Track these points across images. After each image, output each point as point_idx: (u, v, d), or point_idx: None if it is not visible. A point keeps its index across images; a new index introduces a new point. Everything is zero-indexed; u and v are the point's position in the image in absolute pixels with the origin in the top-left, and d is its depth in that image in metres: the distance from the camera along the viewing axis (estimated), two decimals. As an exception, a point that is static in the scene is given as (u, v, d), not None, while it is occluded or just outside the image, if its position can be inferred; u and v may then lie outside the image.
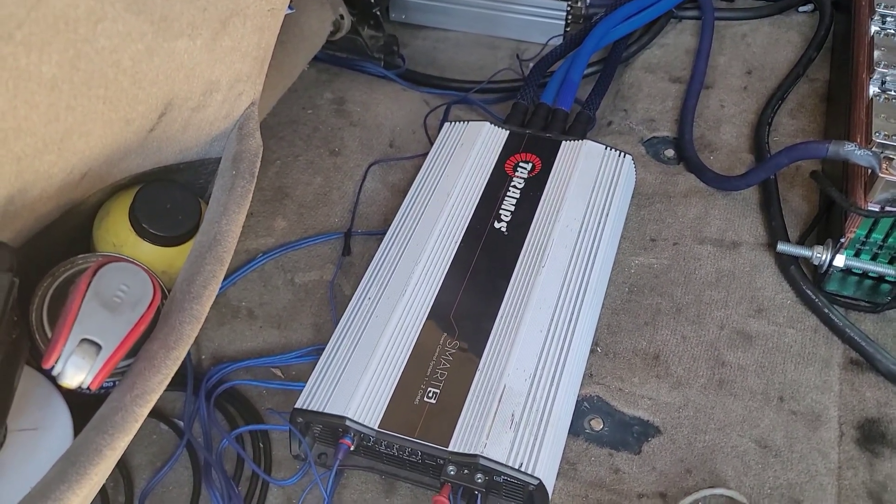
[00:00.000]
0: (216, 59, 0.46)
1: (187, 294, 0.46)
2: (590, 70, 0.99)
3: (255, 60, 0.51)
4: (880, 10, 0.84)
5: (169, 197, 0.56)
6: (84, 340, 0.45)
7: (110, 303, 0.46)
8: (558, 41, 1.06)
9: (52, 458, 0.40)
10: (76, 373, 0.44)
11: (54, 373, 0.45)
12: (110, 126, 0.41)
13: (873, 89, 0.77)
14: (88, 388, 0.45)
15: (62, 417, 0.46)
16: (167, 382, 0.45)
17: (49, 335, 0.47)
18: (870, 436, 0.67)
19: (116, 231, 0.55)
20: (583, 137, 0.84)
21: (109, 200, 0.56)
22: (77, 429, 0.44)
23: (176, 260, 0.53)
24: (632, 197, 0.84)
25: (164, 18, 0.40)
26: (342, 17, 0.95)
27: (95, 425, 0.40)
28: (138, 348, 0.46)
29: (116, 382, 0.45)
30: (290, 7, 0.73)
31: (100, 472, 0.38)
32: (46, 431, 0.45)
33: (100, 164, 0.45)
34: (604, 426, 0.69)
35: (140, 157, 0.50)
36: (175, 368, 0.44)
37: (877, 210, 0.68)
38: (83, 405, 0.45)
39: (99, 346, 0.45)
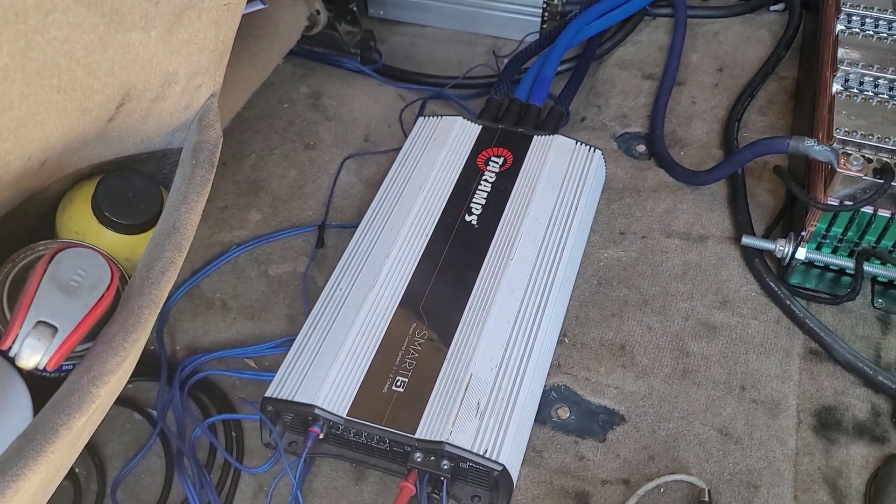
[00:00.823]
0: (173, 52, 0.47)
1: (146, 279, 0.47)
2: (564, 67, 1.00)
3: (213, 53, 0.52)
4: (846, 9, 0.86)
5: (131, 186, 0.57)
6: (40, 323, 0.46)
7: (67, 286, 0.47)
8: (534, 38, 1.07)
9: (13, 436, 0.41)
10: (32, 354, 0.46)
11: (11, 354, 0.47)
12: (66, 115, 0.42)
13: (836, 87, 0.78)
14: (46, 370, 0.46)
15: (22, 398, 0.47)
16: (126, 365, 0.46)
17: (8, 318, 0.48)
18: (826, 423, 0.68)
19: (79, 219, 0.56)
20: (555, 132, 0.85)
21: (72, 189, 0.57)
22: (37, 410, 0.45)
23: (138, 247, 0.54)
24: (602, 191, 0.86)
25: (115, 11, 0.41)
26: (318, 12, 0.96)
27: (53, 405, 0.41)
28: (97, 332, 0.47)
29: (75, 365, 0.46)
30: (262, 2, 0.74)
31: (57, 450, 0.39)
32: (6, 411, 0.46)
33: (58, 152, 0.45)
34: (570, 414, 0.71)
35: (101, 147, 0.51)
36: (133, 351, 0.45)
37: (835, 204, 0.70)
38: (44, 388, 0.46)
39: (55, 329, 0.46)
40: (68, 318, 0.46)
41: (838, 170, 0.68)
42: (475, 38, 1.12)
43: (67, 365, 0.47)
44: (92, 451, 0.69)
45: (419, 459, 0.61)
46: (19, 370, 0.48)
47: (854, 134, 0.72)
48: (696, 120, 0.94)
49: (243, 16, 0.58)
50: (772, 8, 1.07)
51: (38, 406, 0.46)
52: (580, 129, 0.95)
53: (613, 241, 0.83)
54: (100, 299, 0.47)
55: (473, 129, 0.85)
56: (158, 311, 0.47)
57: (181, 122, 0.53)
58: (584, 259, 0.80)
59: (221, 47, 0.53)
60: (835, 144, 0.72)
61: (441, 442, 0.61)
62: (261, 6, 0.73)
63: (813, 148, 0.70)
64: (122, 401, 0.72)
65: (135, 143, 0.53)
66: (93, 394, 0.41)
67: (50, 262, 0.47)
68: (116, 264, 0.51)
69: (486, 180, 0.80)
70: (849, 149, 0.72)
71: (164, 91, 0.48)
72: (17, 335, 0.46)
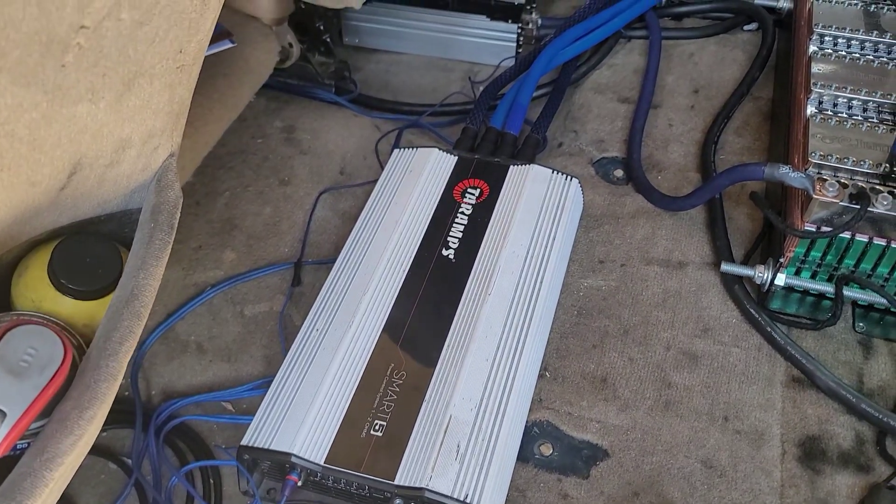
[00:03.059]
0: (125, 119, 0.46)
1: (103, 351, 0.45)
2: (540, 92, 1.00)
3: (168, 115, 0.50)
4: (818, 29, 0.86)
5: (88, 250, 0.55)
6: None
7: (16, 368, 0.45)
8: (511, 63, 1.07)
9: (-38, 526, 0.39)
10: None
11: None
12: (13, 189, 0.41)
13: (810, 109, 0.78)
14: (-6, 456, 0.45)
15: (-29, 484, 0.45)
16: (83, 444, 0.44)
17: None
18: (811, 453, 0.68)
19: (35, 286, 0.54)
20: (531, 161, 0.84)
21: (27, 256, 0.55)
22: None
23: (97, 313, 0.53)
24: (581, 219, 0.85)
25: (58, 87, 0.39)
26: (290, 45, 0.95)
27: (3, 492, 0.40)
28: (51, 409, 0.46)
29: (30, 443, 0.44)
30: (231, 41, 0.73)
31: (9, 540, 0.38)
32: (-46, 499, 0.44)
33: (7, 224, 0.44)
34: (553, 451, 0.70)
35: (54, 214, 0.50)
36: (90, 429, 0.43)
37: (812, 230, 0.70)
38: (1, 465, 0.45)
39: (3, 414, 0.44)
40: (17, 402, 0.44)
41: (814, 196, 0.68)
42: (451, 63, 1.12)
43: (22, 444, 0.46)
44: (66, 503, 0.68)
45: (399, 506, 0.60)
46: None
47: (829, 158, 0.72)
48: (673, 143, 0.94)
49: (212, 55, 0.57)
50: (745, 27, 1.07)
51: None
52: (557, 154, 0.95)
53: (593, 269, 0.82)
54: (51, 379, 0.45)
55: (449, 161, 0.84)
56: (118, 384, 0.46)
57: (139, 184, 0.52)
58: (564, 289, 0.80)
59: (177, 108, 0.52)
60: (810, 169, 0.72)
61: (421, 489, 0.59)
62: (229, 45, 0.72)
63: (788, 175, 0.69)
64: (97, 449, 0.71)
65: (91, 207, 0.52)
66: (46, 478, 0.40)
67: (-2, 342, 0.46)
68: (72, 336, 0.49)
69: (462, 213, 0.79)
70: (824, 173, 0.71)
71: (118, 156, 0.47)
72: None
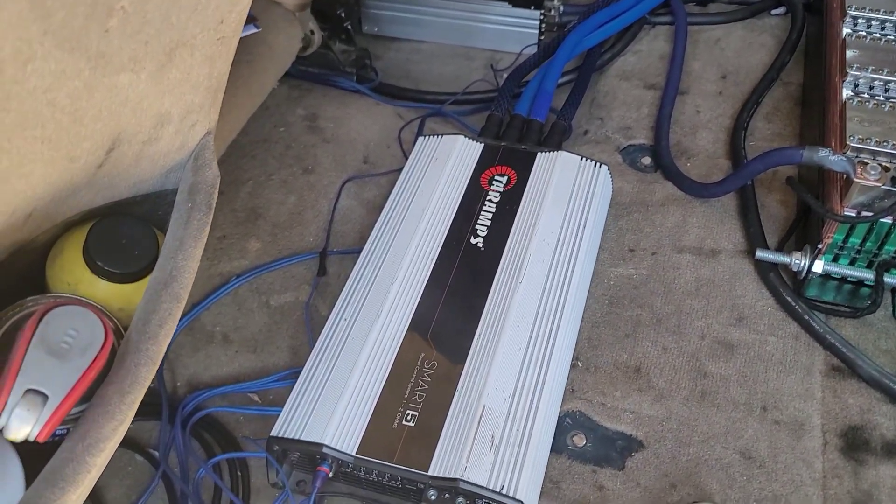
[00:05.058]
0: (164, 92, 0.45)
1: (143, 334, 0.44)
2: (564, 79, 0.98)
3: (207, 90, 0.49)
4: (851, 11, 0.84)
5: (124, 232, 0.54)
6: (29, 391, 0.43)
7: (58, 349, 0.44)
8: (532, 50, 1.05)
9: (3, 512, 0.38)
10: (21, 426, 0.43)
11: None
12: (53, 165, 0.40)
13: (846, 92, 0.76)
14: (36, 440, 0.43)
15: (12, 469, 0.44)
16: (124, 428, 0.43)
17: None
18: (853, 444, 0.66)
19: (70, 269, 0.53)
20: (558, 148, 0.83)
21: (62, 238, 0.54)
22: (29, 478, 0.42)
23: (133, 297, 0.51)
24: (609, 207, 0.84)
25: (101, 55, 0.38)
26: (312, 32, 0.94)
27: (45, 477, 0.39)
28: (92, 394, 0.44)
29: (70, 430, 0.43)
30: (256, 26, 0.72)
31: (51, 527, 0.37)
32: (-4, 483, 0.43)
33: (45, 203, 0.43)
34: (587, 442, 0.68)
35: (91, 193, 0.48)
36: (131, 413, 0.42)
37: (853, 215, 0.68)
38: (39, 452, 0.44)
39: (46, 397, 0.43)
40: (59, 385, 0.43)
41: (855, 179, 0.66)
42: (472, 52, 1.10)
43: (62, 429, 0.45)
44: (94, 496, 0.67)
45: (433, 497, 0.59)
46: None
47: (868, 141, 0.70)
48: (702, 130, 0.92)
49: (236, 40, 0.56)
50: (773, 12, 1.05)
51: (32, 471, 0.43)
52: (583, 142, 0.93)
53: (623, 258, 0.80)
54: (93, 362, 0.44)
55: (475, 148, 0.83)
56: (157, 367, 0.45)
57: (175, 163, 0.51)
58: (594, 278, 0.78)
59: (216, 84, 0.51)
60: (848, 153, 0.70)
61: (456, 479, 0.58)
62: (254, 30, 0.71)
63: (828, 158, 0.67)
64: (124, 442, 0.69)
65: (127, 187, 0.50)
66: (88, 463, 0.39)
67: (38, 323, 0.44)
68: (111, 319, 0.48)
69: (490, 200, 0.78)
70: (864, 157, 0.70)
71: (156, 133, 0.46)
72: (4, 406, 0.43)
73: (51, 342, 0.44)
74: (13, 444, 0.45)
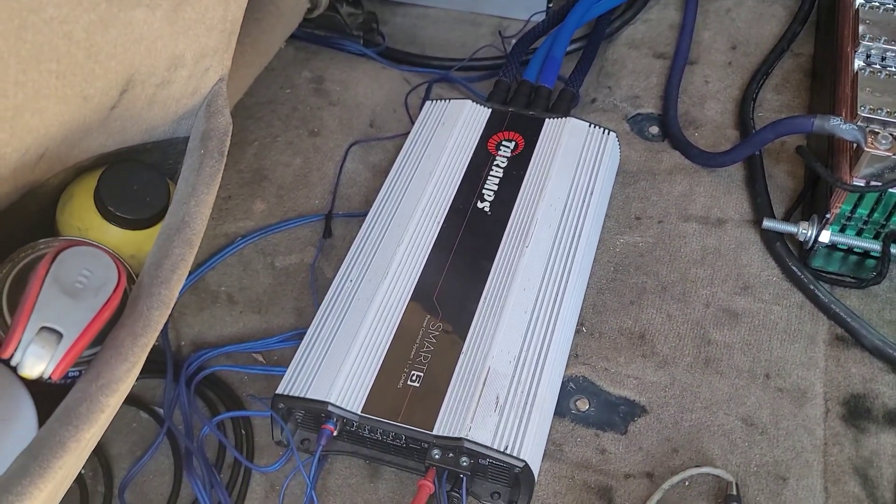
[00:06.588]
0: (179, 32, 0.44)
1: (155, 278, 0.44)
2: (573, 46, 0.97)
3: (221, 34, 0.48)
4: (865, -18, 0.83)
5: (135, 178, 0.53)
6: (44, 329, 0.43)
7: (72, 289, 0.44)
8: (541, 17, 1.04)
9: (17, 450, 0.38)
10: (36, 362, 0.43)
11: (13, 363, 0.44)
12: (66, 103, 0.39)
13: (858, 63, 0.76)
14: (50, 378, 0.43)
15: (25, 408, 0.44)
16: (136, 371, 0.43)
17: (8, 323, 0.45)
18: (855, 412, 0.66)
19: (81, 215, 0.53)
20: (566, 115, 0.82)
21: (73, 183, 0.53)
22: (42, 419, 0.42)
23: (144, 244, 0.51)
24: (616, 175, 0.83)
25: None
26: (320, -7, 0.93)
27: (59, 416, 0.39)
28: (104, 336, 0.44)
29: (82, 371, 0.43)
30: (264, -17, 0.71)
31: (65, 465, 0.37)
32: (9, 423, 0.43)
33: (57, 143, 0.43)
34: (590, 406, 0.69)
35: (103, 137, 0.48)
36: (143, 356, 0.42)
37: (862, 185, 0.68)
38: (49, 395, 0.44)
39: (60, 335, 0.43)
40: (74, 323, 0.43)
41: (866, 149, 0.66)
42: (479, 18, 1.09)
43: (73, 371, 0.45)
44: (98, 451, 0.67)
45: (437, 456, 0.59)
46: (22, 379, 0.45)
47: (879, 111, 0.70)
48: (710, 100, 0.92)
49: (243, -2, 0.55)
50: (785, -17, 1.04)
51: (42, 414, 0.43)
52: (591, 110, 0.93)
53: (629, 226, 0.80)
54: (107, 301, 0.44)
55: (483, 113, 0.82)
56: (169, 311, 0.45)
57: (188, 109, 0.50)
58: (600, 245, 0.78)
59: (230, 27, 0.50)
60: (859, 122, 0.70)
61: (460, 438, 0.58)
62: (262, -13, 0.70)
63: (839, 127, 0.67)
64: (128, 399, 0.70)
65: (139, 132, 0.50)
66: (102, 403, 0.39)
67: (52, 262, 0.44)
68: (123, 263, 0.48)
69: (497, 165, 0.77)
70: (874, 127, 0.69)
71: (170, 75, 0.45)
72: (19, 343, 0.43)
73: (65, 281, 0.44)
74: (26, 383, 0.45)
